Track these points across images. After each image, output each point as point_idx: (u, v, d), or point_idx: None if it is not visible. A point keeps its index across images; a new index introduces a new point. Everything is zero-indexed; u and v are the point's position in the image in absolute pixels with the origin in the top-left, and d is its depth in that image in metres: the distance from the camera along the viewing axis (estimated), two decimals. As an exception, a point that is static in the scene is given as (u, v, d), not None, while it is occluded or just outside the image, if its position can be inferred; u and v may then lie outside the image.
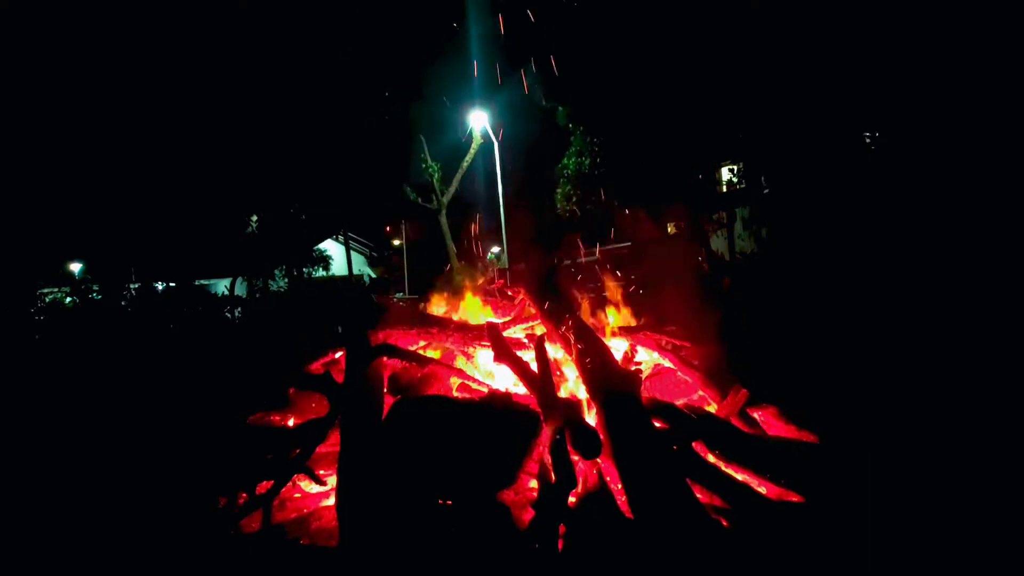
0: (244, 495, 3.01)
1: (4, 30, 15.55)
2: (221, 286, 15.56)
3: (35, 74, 16.27)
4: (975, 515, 2.48)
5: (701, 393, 3.69)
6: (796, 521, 2.56)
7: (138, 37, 17.37)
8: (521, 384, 3.51)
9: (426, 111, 18.46)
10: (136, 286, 12.30)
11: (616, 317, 4.61)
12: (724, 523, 2.57)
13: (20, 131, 16.01)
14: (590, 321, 4.22)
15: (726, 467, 2.90)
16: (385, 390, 3.59)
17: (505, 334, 4.05)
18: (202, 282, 14.96)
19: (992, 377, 3.85)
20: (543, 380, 3.32)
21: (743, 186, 17.54)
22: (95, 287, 12.31)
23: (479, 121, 18.54)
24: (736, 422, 3.28)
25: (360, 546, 2.53)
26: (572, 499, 2.69)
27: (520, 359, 3.63)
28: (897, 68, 10.99)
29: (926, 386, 3.76)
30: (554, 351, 3.79)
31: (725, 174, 18.98)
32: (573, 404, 3.13)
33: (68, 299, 11.54)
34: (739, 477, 2.85)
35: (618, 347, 4.08)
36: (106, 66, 17.33)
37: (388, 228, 31.84)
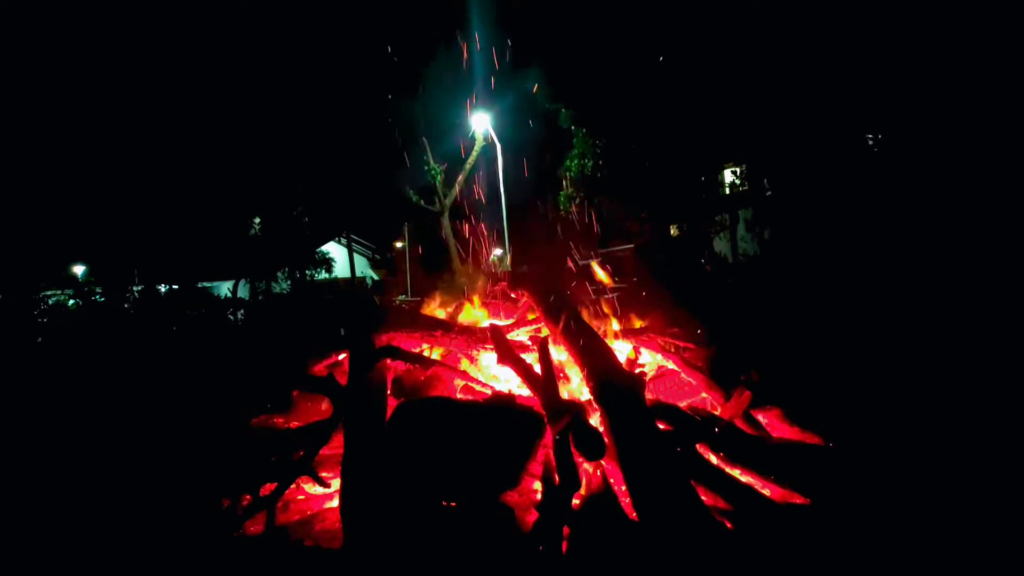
0: (248, 497, 3.02)
1: (4, 30, 15.62)
2: (224, 288, 15.56)
3: (37, 75, 16.36)
4: (978, 515, 2.47)
5: (705, 395, 3.69)
6: (801, 523, 2.56)
7: (140, 38, 17.44)
8: (525, 386, 3.51)
9: (428, 113, 18.51)
10: (139, 288, 12.28)
11: (619, 319, 4.61)
12: (728, 525, 2.57)
13: (23, 133, 16.08)
14: (593, 323, 4.22)
15: (730, 469, 2.90)
16: (389, 392, 3.60)
17: (509, 336, 4.05)
18: (205, 284, 14.95)
19: (995, 378, 3.84)
20: (546, 382, 3.32)
21: (746, 188, 17.53)
22: (98, 289, 12.30)
23: (481, 123, 18.54)
24: (740, 424, 3.27)
25: (364, 548, 2.53)
26: (576, 501, 2.69)
27: (523, 361, 3.62)
28: (899, 70, 10.99)
29: (930, 388, 3.75)
30: (557, 353, 3.79)
31: (728, 176, 18.95)
32: (577, 406, 3.12)
33: (71, 301, 11.53)
34: (743, 479, 2.85)
35: (622, 349, 4.08)
36: (108, 67, 17.40)
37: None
